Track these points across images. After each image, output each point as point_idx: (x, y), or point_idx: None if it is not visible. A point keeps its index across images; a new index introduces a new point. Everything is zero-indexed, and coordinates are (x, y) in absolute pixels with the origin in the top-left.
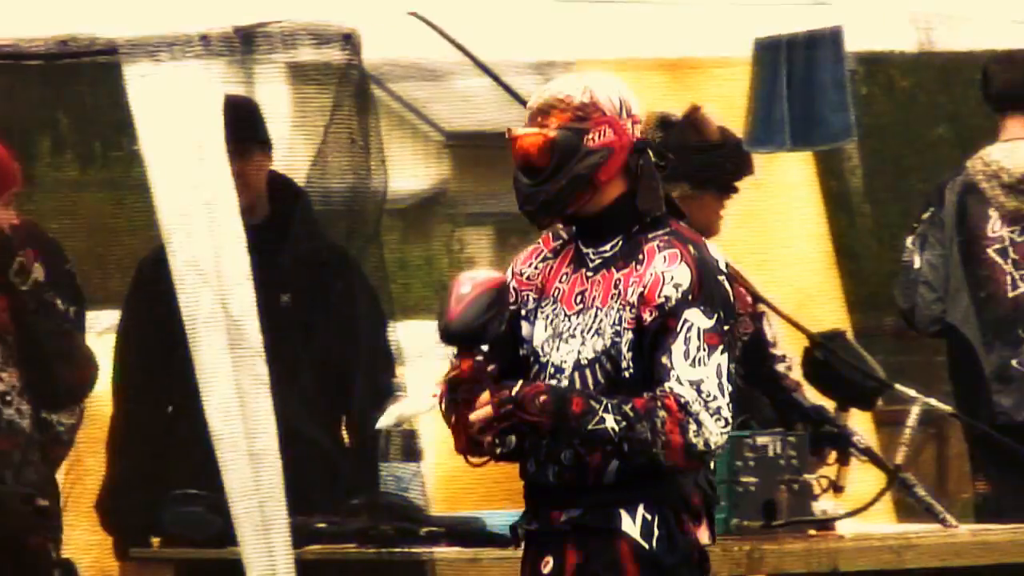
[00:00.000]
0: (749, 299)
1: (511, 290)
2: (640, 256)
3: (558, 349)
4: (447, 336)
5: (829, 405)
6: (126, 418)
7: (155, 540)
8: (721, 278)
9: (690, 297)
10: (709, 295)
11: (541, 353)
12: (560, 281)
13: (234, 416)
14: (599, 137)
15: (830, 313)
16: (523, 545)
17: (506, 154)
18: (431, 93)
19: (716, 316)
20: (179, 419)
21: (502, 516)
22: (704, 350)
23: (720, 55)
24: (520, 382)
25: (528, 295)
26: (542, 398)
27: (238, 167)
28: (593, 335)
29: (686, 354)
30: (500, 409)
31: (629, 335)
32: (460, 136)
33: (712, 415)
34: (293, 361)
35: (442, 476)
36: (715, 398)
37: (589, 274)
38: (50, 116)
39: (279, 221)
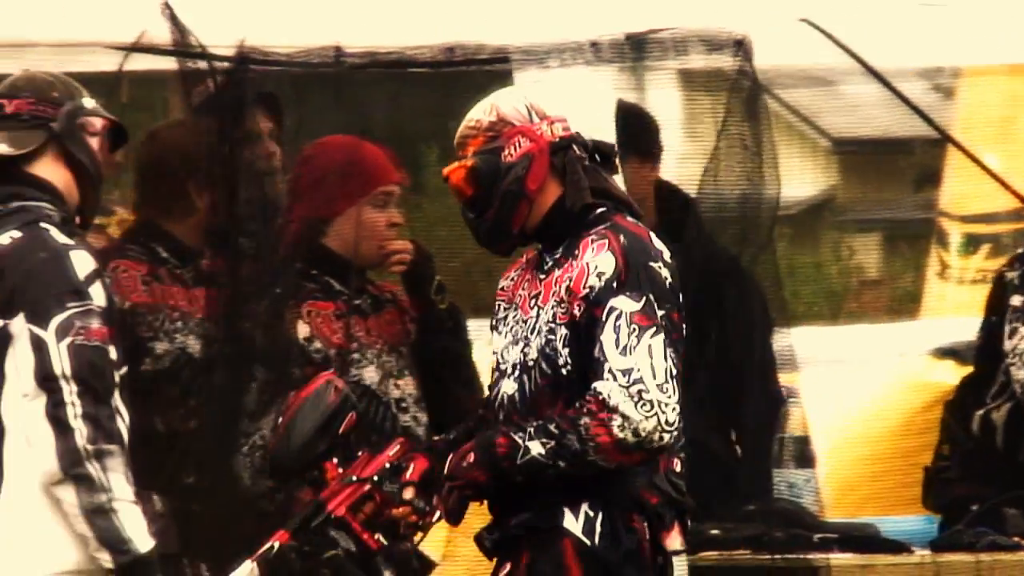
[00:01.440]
0: None
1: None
2: (576, 252)
3: (510, 353)
4: (276, 473)
5: None
6: None
7: None
8: (656, 264)
9: (615, 284)
10: (635, 280)
11: (501, 360)
12: (522, 288)
13: None
14: (515, 149)
15: None
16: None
17: (895, 160)
18: (820, 99)
19: (645, 299)
20: None
21: (896, 522)
22: (635, 334)
23: None
24: (450, 457)
25: (500, 305)
26: (469, 458)
27: (627, 175)
28: (536, 335)
29: (617, 342)
30: (443, 492)
31: (563, 330)
32: (849, 143)
33: (636, 402)
34: (688, 368)
35: (836, 482)
36: (639, 382)
37: (542, 276)
38: (439, 124)
39: (666, 229)
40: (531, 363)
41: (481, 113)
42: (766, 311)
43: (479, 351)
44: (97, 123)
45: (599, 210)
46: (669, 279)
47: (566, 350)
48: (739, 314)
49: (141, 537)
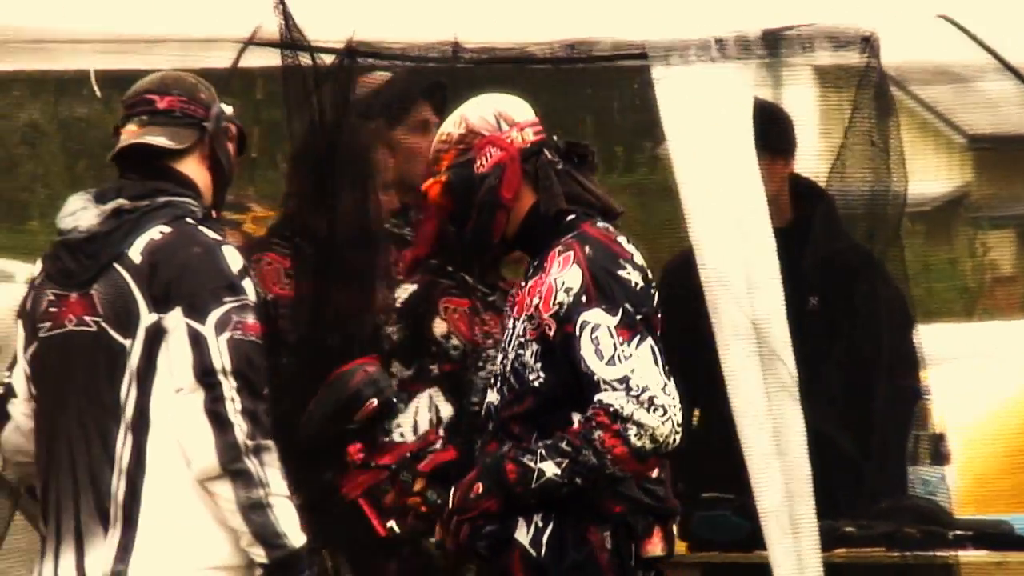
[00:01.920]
0: None
1: None
2: (545, 264)
3: (496, 362)
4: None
5: None
6: None
7: (683, 543)
8: (624, 271)
9: (583, 299)
10: (606, 292)
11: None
12: (517, 298)
13: (762, 420)
14: (487, 159)
15: None
16: None
17: None
18: (956, 96)
19: (621, 310)
20: (707, 422)
21: None
22: (620, 346)
23: None
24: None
25: (506, 311)
26: (477, 488)
27: (763, 171)
28: (511, 347)
29: (599, 355)
30: (450, 528)
31: (534, 346)
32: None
33: (648, 408)
34: (820, 364)
35: (969, 479)
36: (645, 389)
37: (523, 285)
38: (572, 120)
39: (803, 225)
40: (507, 375)
41: (452, 126)
42: (903, 307)
43: None
44: (232, 128)
45: (569, 217)
46: (640, 283)
47: (538, 365)
48: (870, 310)
49: (294, 532)
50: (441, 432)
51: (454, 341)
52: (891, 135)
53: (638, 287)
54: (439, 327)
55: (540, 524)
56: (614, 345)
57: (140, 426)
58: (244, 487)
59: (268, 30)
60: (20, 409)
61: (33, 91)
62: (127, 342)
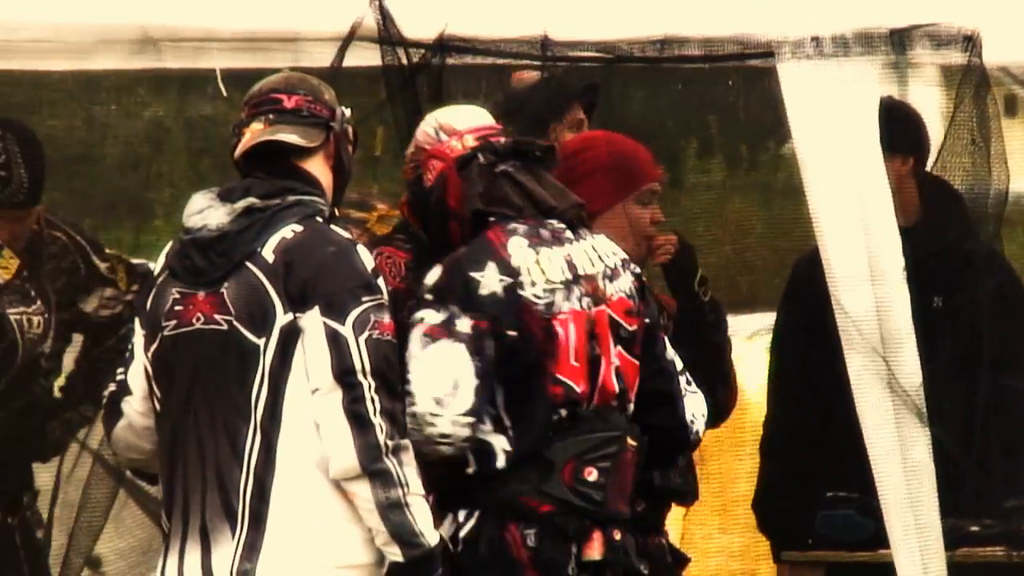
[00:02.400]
0: None
1: None
2: None
3: None
4: None
5: None
6: (782, 419)
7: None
8: (478, 274)
9: (425, 296)
10: (445, 292)
11: None
12: None
13: (885, 418)
14: (431, 173)
15: None
16: None
17: None
18: None
19: (448, 311)
20: (833, 421)
21: None
22: (421, 345)
23: None
24: None
25: None
26: None
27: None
28: None
29: (410, 354)
30: None
31: None
32: None
33: (406, 416)
34: (944, 363)
35: None
36: (410, 395)
37: None
38: (698, 119)
39: (931, 224)
40: None
41: (408, 148)
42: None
43: (737, 347)
44: (351, 130)
45: (491, 219)
46: (493, 290)
47: None
48: (994, 308)
49: (430, 531)
50: None
51: None
52: (992, 134)
53: (486, 292)
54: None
55: (461, 519)
56: (420, 345)
57: (271, 426)
58: (383, 487)
59: (367, 26)
60: (135, 407)
61: (158, 89)
62: (260, 341)
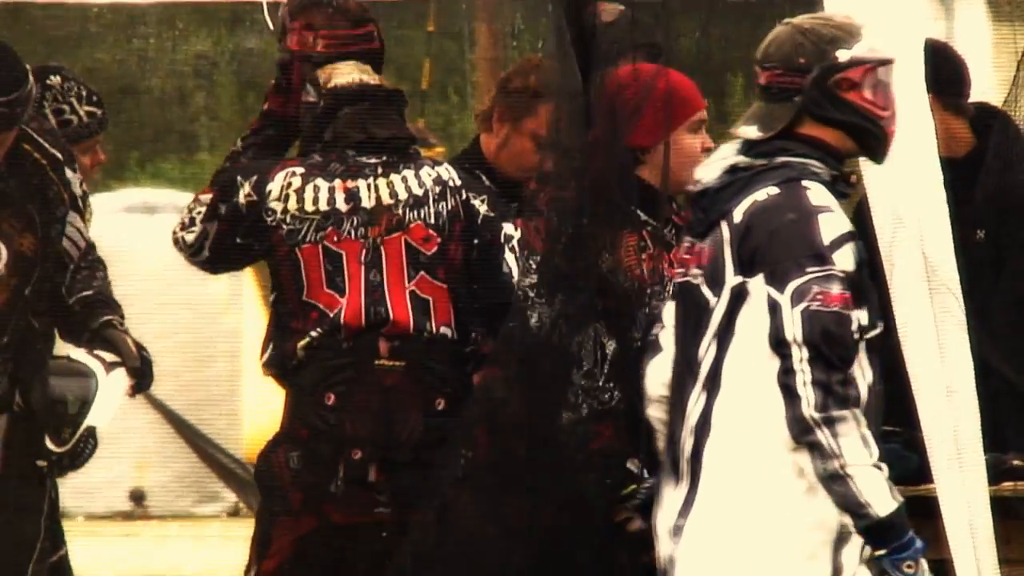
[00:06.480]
0: None
1: None
2: None
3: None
4: None
5: None
6: None
7: None
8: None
9: None
10: None
11: None
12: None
13: (931, 354)
14: None
15: None
16: None
17: None
18: None
19: None
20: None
21: None
22: None
23: None
24: None
25: None
26: None
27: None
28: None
29: None
30: None
31: None
32: None
33: None
34: (986, 296)
35: None
36: None
37: None
38: (744, 55)
39: (981, 156)
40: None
41: None
42: None
43: None
44: (854, 73)
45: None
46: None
47: None
48: None
49: (880, 500)
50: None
51: (619, 277)
52: None
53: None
54: (606, 262)
55: (270, 440)
56: None
57: (712, 387)
58: (820, 459)
59: None
60: (671, 341)
61: (204, 22)
62: (714, 299)
